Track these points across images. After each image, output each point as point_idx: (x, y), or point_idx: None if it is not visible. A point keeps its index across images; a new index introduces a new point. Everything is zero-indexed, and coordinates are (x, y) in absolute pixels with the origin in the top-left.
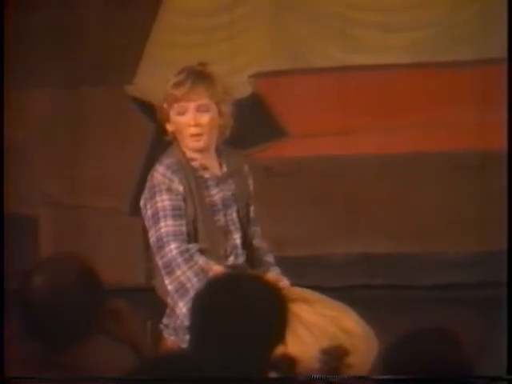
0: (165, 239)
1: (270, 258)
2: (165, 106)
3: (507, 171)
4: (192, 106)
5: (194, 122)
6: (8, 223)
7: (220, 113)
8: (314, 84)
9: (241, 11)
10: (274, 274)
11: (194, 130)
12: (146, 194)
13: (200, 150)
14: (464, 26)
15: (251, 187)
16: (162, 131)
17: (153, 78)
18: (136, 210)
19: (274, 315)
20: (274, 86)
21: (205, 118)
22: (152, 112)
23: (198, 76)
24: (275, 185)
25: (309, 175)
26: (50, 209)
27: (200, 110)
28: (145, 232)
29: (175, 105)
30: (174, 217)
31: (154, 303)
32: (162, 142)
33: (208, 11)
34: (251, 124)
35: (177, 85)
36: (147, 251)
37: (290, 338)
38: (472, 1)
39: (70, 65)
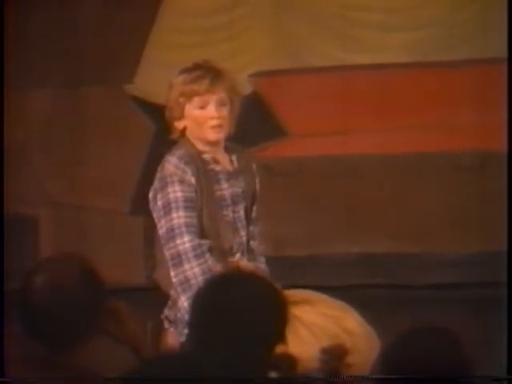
0: (177, 231)
1: (261, 264)
2: (181, 100)
3: (507, 171)
4: (214, 99)
5: (217, 114)
6: (8, 223)
7: (232, 108)
8: (314, 83)
9: (241, 11)
10: None
11: (215, 122)
12: (156, 184)
13: (218, 142)
14: (464, 26)
15: (257, 186)
16: (165, 130)
17: (153, 78)
18: (136, 210)
19: (273, 314)
20: (274, 86)
21: (224, 111)
22: (154, 112)
23: (215, 71)
24: (275, 184)
25: (308, 175)
26: (50, 209)
27: (220, 103)
28: (145, 231)
29: (196, 98)
30: (186, 208)
31: (154, 302)
32: (163, 141)
33: (208, 11)
34: (251, 123)
35: (197, 79)
36: (149, 248)
37: (291, 339)
38: (472, 1)
39: (69, 65)
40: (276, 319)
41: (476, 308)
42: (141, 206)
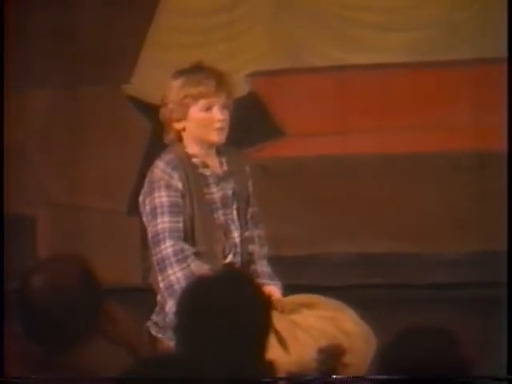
0: (161, 236)
1: (262, 267)
2: (186, 101)
3: (507, 171)
4: (219, 101)
5: (222, 117)
6: (7, 223)
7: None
8: (312, 83)
9: (240, 11)
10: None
11: (220, 125)
12: (145, 189)
13: (219, 143)
14: (464, 26)
15: (251, 188)
16: (162, 130)
17: (150, 79)
18: (134, 210)
19: (257, 312)
20: (271, 86)
21: (226, 114)
22: (151, 112)
23: (219, 73)
24: (273, 185)
25: (307, 175)
26: (48, 209)
27: (223, 105)
28: (142, 232)
29: (201, 101)
30: (172, 213)
31: (151, 303)
32: (160, 142)
33: (206, 11)
34: (249, 123)
35: (203, 81)
36: (144, 250)
37: (290, 344)
38: (472, 1)
39: (68, 65)
40: (261, 316)
41: (476, 308)
42: (138, 206)
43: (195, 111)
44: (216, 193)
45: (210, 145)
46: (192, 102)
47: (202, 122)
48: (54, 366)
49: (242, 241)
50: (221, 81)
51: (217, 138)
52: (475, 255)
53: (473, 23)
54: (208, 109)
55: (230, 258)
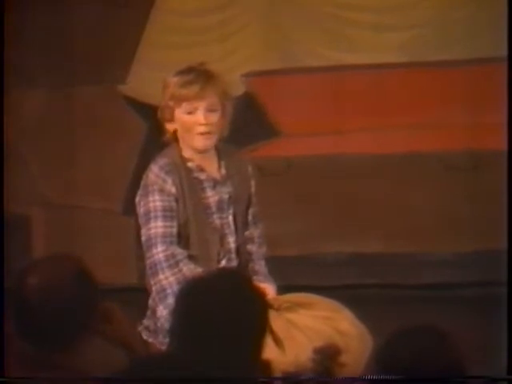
0: (153, 240)
1: (259, 267)
2: (171, 104)
3: (507, 171)
4: (203, 105)
5: (205, 120)
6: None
7: (223, 112)
8: (306, 83)
9: (233, 11)
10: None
11: (203, 129)
12: (140, 191)
13: (205, 150)
14: (459, 26)
15: (253, 189)
16: (158, 131)
17: (146, 79)
18: (129, 210)
19: (253, 312)
20: (266, 85)
21: (214, 117)
22: (146, 112)
23: (207, 75)
24: (267, 184)
25: (301, 174)
26: (43, 208)
27: (209, 109)
28: (137, 232)
29: (184, 104)
30: (165, 218)
31: (146, 303)
32: (155, 141)
33: (200, 11)
34: (243, 123)
35: (187, 84)
36: (140, 250)
37: (286, 343)
38: (468, 0)
39: (64, 65)
40: (257, 316)
41: (471, 308)
42: (134, 205)
43: (179, 114)
44: (211, 197)
45: (196, 150)
46: (176, 104)
47: (185, 126)
48: (50, 365)
49: (238, 244)
50: (208, 82)
51: (200, 143)
52: (470, 255)
53: (468, 23)
54: (191, 112)
55: (223, 263)
